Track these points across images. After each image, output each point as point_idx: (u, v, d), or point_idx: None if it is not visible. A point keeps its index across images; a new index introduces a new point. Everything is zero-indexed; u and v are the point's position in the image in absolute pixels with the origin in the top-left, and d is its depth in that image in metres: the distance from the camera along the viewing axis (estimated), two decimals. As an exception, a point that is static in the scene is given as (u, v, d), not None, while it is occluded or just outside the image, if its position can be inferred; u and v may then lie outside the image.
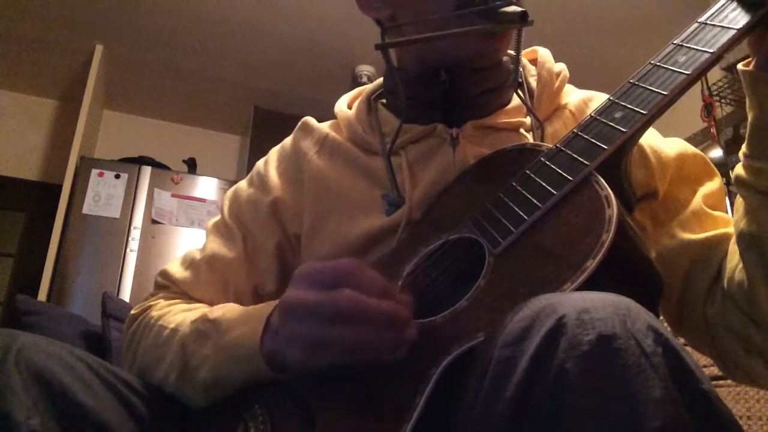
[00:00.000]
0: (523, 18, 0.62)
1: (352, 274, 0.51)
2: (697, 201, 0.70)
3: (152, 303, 0.77)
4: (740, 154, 0.58)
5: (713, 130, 2.70)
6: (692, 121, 2.79)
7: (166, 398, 0.66)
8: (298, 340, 0.52)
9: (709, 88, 2.73)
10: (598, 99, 0.78)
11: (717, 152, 2.61)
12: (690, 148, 0.75)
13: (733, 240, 0.61)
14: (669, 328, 0.70)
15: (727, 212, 0.71)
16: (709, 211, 0.70)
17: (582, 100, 0.78)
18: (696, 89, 2.80)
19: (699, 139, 2.84)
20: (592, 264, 0.45)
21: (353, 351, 0.50)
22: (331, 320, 0.50)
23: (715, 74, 2.71)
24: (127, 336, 0.76)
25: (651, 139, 0.73)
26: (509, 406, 0.37)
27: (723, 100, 2.74)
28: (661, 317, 0.78)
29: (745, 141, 0.57)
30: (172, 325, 0.69)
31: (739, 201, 0.60)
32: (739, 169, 0.59)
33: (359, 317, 0.49)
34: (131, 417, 0.60)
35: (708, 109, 2.71)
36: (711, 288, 0.65)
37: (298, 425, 0.54)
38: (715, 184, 0.72)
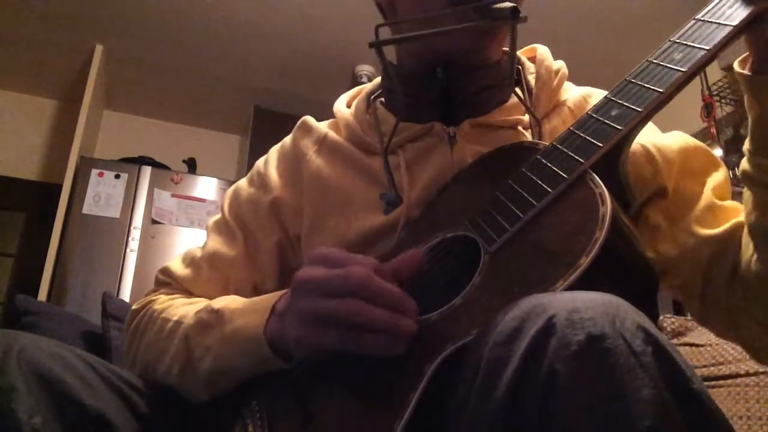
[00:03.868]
0: (514, 14, 0.62)
1: (367, 261, 0.53)
2: (708, 194, 0.70)
3: (154, 298, 0.78)
4: (744, 150, 0.58)
5: (713, 130, 2.70)
6: (692, 121, 2.79)
7: (167, 396, 0.67)
8: (303, 313, 0.53)
9: (709, 88, 2.72)
10: (597, 95, 0.78)
11: (717, 152, 2.61)
12: (691, 141, 0.75)
13: (746, 231, 0.61)
14: (695, 322, 0.70)
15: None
16: (720, 202, 0.70)
17: (581, 96, 0.78)
18: (696, 89, 2.81)
19: (699, 139, 2.81)
20: (585, 261, 0.45)
21: (355, 332, 0.50)
22: (339, 293, 0.51)
23: (715, 74, 2.71)
24: (129, 331, 0.76)
25: (653, 137, 0.73)
26: (500, 406, 0.37)
27: (723, 100, 2.74)
28: (660, 316, 0.78)
29: (748, 137, 0.58)
30: (175, 318, 0.69)
31: (747, 194, 0.60)
32: (744, 164, 0.59)
33: (368, 293, 0.50)
34: (132, 415, 0.60)
35: (708, 109, 2.71)
36: (730, 279, 0.65)
37: (296, 421, 0.55)
38: (720, 174, 0.73)
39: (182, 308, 0.71)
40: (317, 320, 0.52)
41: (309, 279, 0.53)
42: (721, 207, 0.70)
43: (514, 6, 0.62)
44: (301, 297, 0.54)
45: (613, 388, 0.35)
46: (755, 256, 0.60)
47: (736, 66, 0.57)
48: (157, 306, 0.74)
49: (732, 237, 0.66)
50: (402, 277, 0.55)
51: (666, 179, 0.71)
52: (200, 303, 0.71)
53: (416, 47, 0.75)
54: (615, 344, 0.36)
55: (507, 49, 0.77)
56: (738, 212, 0.68)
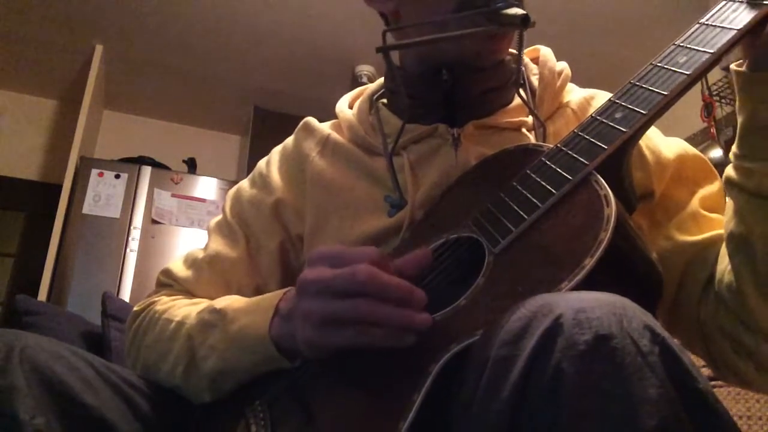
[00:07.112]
0: (524, 21, 0.62)
1: (370, 255, 0.52)
2: (695, 203, 0.70)
3: (155, 299, 0.77)
4: (731, 155, 0.58)
5: (713, 130, 2.70)
6: (692, 121, 2.80)
7: (169, 396, 0.67)
8: (312, 316, 0.52)
9: (709, 88, 2.73)
10: (600, 97, 0.78)
11: (717, 152, 2.61)
12: (690, 150, 0.74)
13: (724, 241, 0.61)
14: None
15: None
16: (705, 213, 0.69)
17: (584, 98, 0.78)
18: (696, 89, 2.79)
19: (699, 139, 2.84)
20: (589, 263, 0.46)
21: (366, 329, 0.50)
22: (346, 293, 0.50)
23: (715, 74, 2.71)
24: (131, 332, 0.76)
25: (650, 140, 0.73)
26: (506, 405, 0.37)
27: (723, 100, 2.74)
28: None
29: (736, 141, 0.57)
30: (177, 318, 0.69)
31: (729, 202, 0.60)
32: (729, 170, 0.59)
33: (375, 291, 0.49)
34: (134, 415, 0.60)
35: (708, 109, 2.71)
36: (704, 289, 0.65)
37: (299, 421, 0.55)
38: (714, 187, 0.72)
39: (184, 309, 0.71)
40: (327, 321, 0.51)
41: (313, 280, 0.53)
42: (705, 217, 0.69)
43: (525, 14, 0.62)
44: (307, 299, 0.53)
45: (620, 387, 0.35)
46: (729, 266, 0.59)
47: (732, 66, 0.57)
48: (158, 307, 0.74)
49: (711, 247, 0.66)
50: (404, 274, 0.54)
51: (655, 183, 0.70)
52: (202, 303, 0.71)
53: (422, 51, 0.75)
54: (622, 344, 0.36)
55: (511, 49, 0.77)
56: (723, 224, 0.68)
